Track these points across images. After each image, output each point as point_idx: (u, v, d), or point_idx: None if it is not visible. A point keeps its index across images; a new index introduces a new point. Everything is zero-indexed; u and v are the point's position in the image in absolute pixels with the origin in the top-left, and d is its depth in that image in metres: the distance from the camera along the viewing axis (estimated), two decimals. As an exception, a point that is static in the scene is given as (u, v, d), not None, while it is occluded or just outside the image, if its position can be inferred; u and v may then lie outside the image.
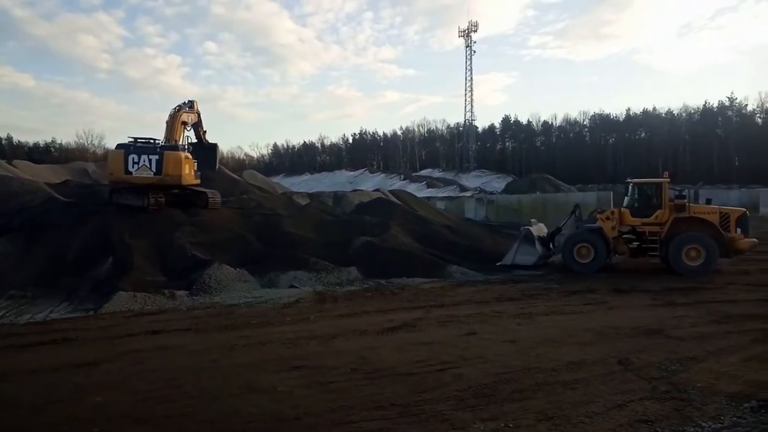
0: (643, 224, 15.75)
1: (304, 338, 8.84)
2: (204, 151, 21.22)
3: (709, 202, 16.66)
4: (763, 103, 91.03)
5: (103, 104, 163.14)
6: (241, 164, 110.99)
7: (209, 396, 6.31)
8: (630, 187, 16.56)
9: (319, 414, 5.72)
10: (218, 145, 21.99)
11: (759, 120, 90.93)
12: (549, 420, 5.46)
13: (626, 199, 16.50)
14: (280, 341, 8.70)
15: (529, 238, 16.77)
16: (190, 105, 20.02)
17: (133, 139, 18.55)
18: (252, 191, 26.09)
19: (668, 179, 16.11)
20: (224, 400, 6.19)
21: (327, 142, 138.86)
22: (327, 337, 8.90)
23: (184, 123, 19.53)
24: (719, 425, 5.26)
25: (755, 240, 15.61)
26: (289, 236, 17.35)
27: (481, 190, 68.70)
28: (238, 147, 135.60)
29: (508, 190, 61.95)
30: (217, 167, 22.69)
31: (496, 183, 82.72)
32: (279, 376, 6.96)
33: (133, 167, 17.75)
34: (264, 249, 16.14)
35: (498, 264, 16.56)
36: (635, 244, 15.82)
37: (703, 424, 5.30)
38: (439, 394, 6.20)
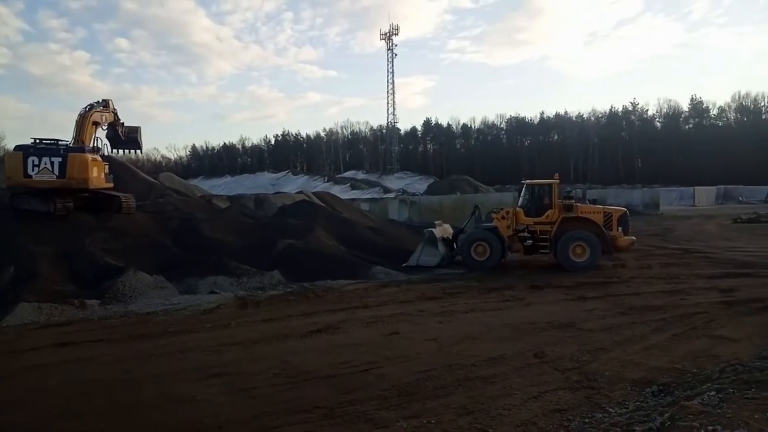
0: (536, 223, 16.52)
1: (224, 345, 8.62)
2: (126, 143, 20.38)
3: (594, 202, 17.78)
4: (661, 109, 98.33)
5: (2, 102, 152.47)
6: (157, 166, 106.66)
7: (123, 409, 6.02)
8: (524, 188, 17.32)
9: (241, 421, 5.61)
10: (140, 127, 21.14)
11: (658, 124, 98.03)
12: (469, 414, 5.62)
13: (520, 199, 17.24)
14: (199, 348, 8.43)
15: (432, 240, 17.18)
16: (105, 104, 18.98)
17: (35, 140, 17.35)
18: (169, 195, 25.08)
19: (558, 181, 16.91)
20: (139, 412, 5.93)
21: (248, 144, 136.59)
22: (249, 343, 8.72)
23: (96, 123, 18.45)
24: (624, 410, 5.60)
25: (633, 238, 16.73)
26: (209, 241, 16.84)
27: (404, 192, 69.68)
28: (155, 149, 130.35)
29: (429, 191, 63.04)
30: (143, 149, 21.86)
31: (419, 184, 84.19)
32: (198, 384, 6.75)
33: (33, 170, 16.52)
34: (182, 254, 15.57)
35: (404, 265, 16.84)
36: (529, 242, 16.57)
37: (610, 409, 5.64)
38: (362, 394, 6.23)
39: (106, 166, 18.34)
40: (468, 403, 5.90)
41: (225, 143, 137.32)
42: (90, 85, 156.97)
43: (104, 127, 19.20)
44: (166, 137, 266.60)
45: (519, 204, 17.08)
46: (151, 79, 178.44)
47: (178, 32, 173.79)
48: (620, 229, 16.06)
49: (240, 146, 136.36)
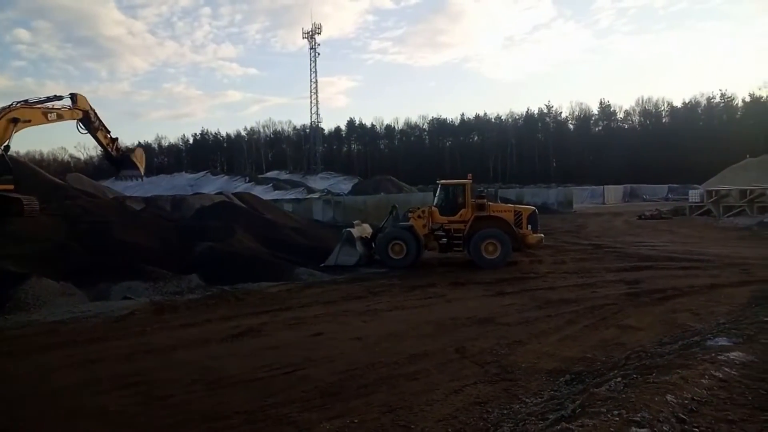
0: (450, 222, 16.97)
1: (140, 352, 8.23)
2: (122, 162, 19.45)
3: (506, 201, 18.49)
4: (573, 111, 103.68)
5: None
6: (65, 167, 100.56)
7: (26, 428, 5.61)
8: (439, 187, 17.76)
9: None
10: (138, 149, 20.12)
11: (571, 126, 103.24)
12: (392, 412, 5.65)
13: (435, 198, 17.66)
14: (112, 358, 8.00)
15: (350, 240, 17.26)
16: (73, 98, 17.74)
17: None
18: (78, 196, 23.67)
19: (471, 180, 17.44)
20: (45, 430, 5.55)
21: (165, 143, 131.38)
22: (166, 350, 8.37)
23: (16, 120, 17.01)
24: (540, 399, 5.83)
25: (542, 235, 17.47)
26: (122, 244, 16.04)
27: (329, 192, 69.49)
28: (62, 148, 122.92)
29: (354, 191, 63.23)
30: (143, 174, 21.02)
31: (343, 184, 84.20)
32: (111, 395, 6.40)
33: None
34: (92, 259, 14.75)
35: (322, 265, 16.82)
36: (444, 240, 17.00)
37: (527, 400, 5.85)
38: (285, 397, 6.14)
39: None
40: (391, 401, 5.94)
41: (140, 142, 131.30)
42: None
43: (87, 125, 18.56)
44: (74, 136, 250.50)
45: (434, 203, 17.45)
46: (56, 73, 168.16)
47: (86, 25, 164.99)
48: (530, 227, 16.72)
49: (156, 146, 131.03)
